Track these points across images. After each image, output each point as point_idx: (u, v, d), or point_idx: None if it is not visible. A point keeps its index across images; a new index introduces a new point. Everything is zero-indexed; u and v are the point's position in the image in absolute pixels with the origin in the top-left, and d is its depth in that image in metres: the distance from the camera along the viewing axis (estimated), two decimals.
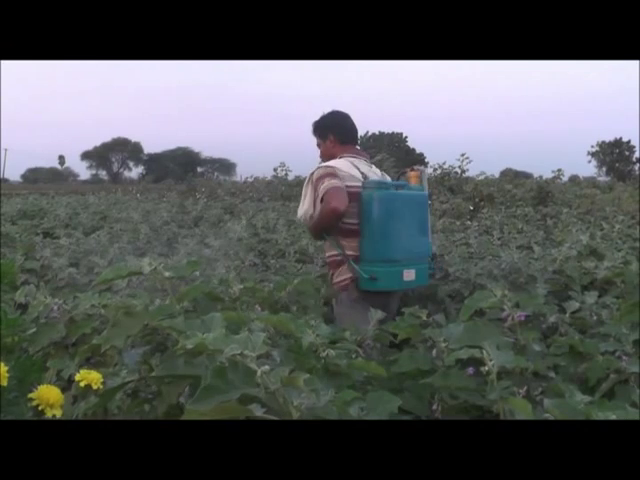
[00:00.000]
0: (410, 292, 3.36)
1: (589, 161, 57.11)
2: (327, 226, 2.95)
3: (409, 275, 2.93)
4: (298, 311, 2.22)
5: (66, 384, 1.59)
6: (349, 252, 2.95)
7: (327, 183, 2.91)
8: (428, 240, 3.15)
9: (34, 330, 1.88)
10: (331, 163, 3.06)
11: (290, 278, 2.58)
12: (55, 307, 2.02)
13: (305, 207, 3.04)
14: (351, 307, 2.88)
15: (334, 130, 3.23)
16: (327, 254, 3.08)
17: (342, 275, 2.98)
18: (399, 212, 2.97)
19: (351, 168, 3.04)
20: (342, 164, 3.05)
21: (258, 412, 1.05)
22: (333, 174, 2.96)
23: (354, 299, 2.91)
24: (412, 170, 3.25)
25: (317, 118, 3.32)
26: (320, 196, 2.92)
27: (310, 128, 3.34)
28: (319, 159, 3.31)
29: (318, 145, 3.30)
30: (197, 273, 2.67)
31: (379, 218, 2.91)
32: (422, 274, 3.02)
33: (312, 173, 3.05)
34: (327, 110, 3.31)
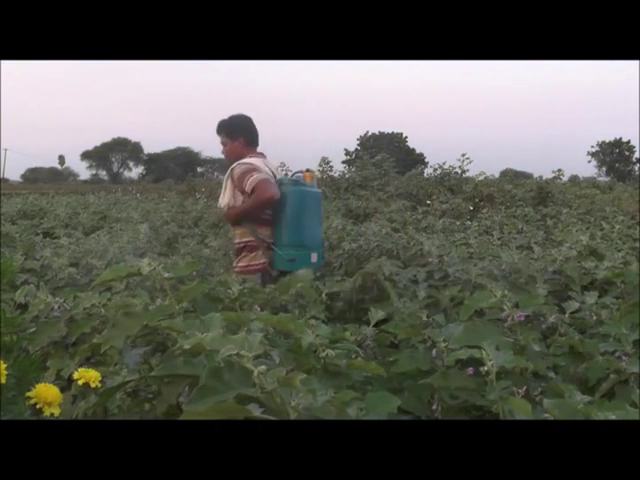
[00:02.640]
0: None
1: (589, 161, 57.13)
2: (258, 212, 3.39)
3: (314, 257, 3.45)
4: (298, 312, 2.22)
5: (66, 384, 1.59)
6: (266, 240, 3.39)
7: (256, 176, 3.35)
8: (321, 229, 3.75)
9: (34, 329, 1.88)
10: (249, 161, 3.46)
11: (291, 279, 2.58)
12: (56, 306, 2.02)
13: (226, 200, 3.47)
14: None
15: (244, 133, 3.60)
16: (241, 239, 3.47)
17: (257, 259, 3.42)
18: (308, 205, 3.50)
19: (264, 166, 3.48)
20: (258, 162, 3.47)
21: (256, 412, 1.05)
22: (257, 169, 3.39)
23: (267, 280, 3.25)
24: (307, 171, 3.64)
25: (225, 118, 3.62)
26: (249, 188, 3.35)
27: (217, 127, 3.62)
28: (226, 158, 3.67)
29: (224, 144, 3.62)
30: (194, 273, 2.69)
31: (296, 210, 3.41)
32: (321, 257, 3.57)
33: (232, 169, 3.45)
34: (236, 112, 3.66)
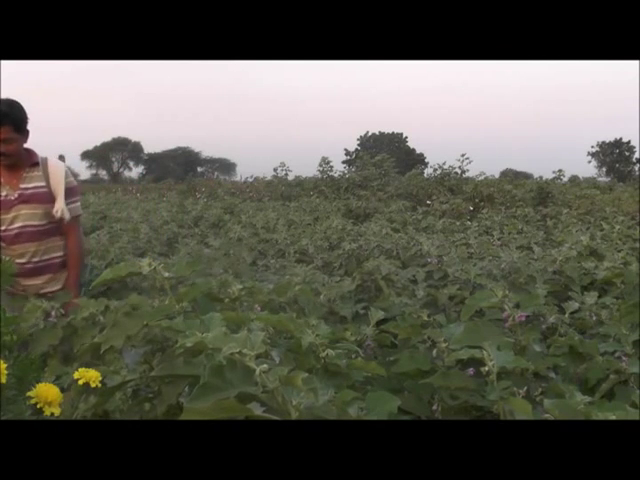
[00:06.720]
0: None
1: (589, 161, 57.06)
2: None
3: None
4: (297, 313, 2.21)
5: (65, 385, 1.59)
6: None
7: (77, 205, 2.90)
8: None
9: (32, 336, 1.87)
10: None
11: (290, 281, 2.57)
12: (52, 313, 1.97)
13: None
14: None
15: (27, 125, 2.74)
16: (50, 255, 2.84)
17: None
18: None
19: None
20: None
21: (257, 410, 1.05)
22: (79, 192, 2.96)
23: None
24: None
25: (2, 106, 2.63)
26: (68, 214, 2.79)
27: None
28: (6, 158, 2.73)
29: (10, 140, 2.66)
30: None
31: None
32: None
33: (65, 172, 2.84)
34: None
